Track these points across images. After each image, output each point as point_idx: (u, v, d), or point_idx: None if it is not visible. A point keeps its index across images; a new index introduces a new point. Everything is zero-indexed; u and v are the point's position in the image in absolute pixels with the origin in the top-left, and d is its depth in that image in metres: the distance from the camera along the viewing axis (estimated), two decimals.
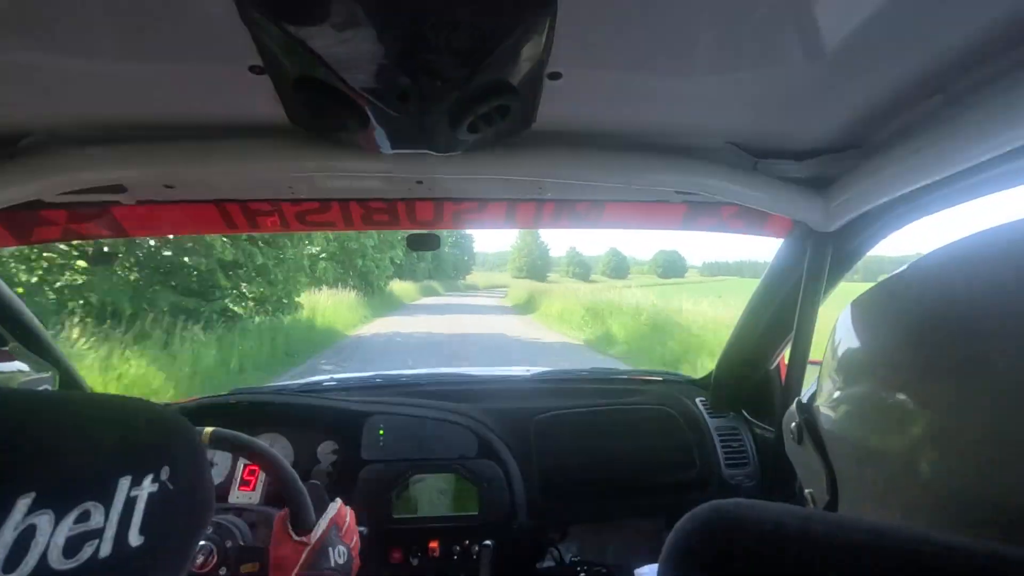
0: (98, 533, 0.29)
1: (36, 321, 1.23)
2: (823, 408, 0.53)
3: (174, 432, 0.37)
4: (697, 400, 1.58)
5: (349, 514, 0.97)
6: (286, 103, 0.72)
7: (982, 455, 0.35)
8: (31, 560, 0.25)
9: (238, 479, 1.28)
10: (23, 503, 0.25)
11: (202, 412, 1.37)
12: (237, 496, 1.25)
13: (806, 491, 0.58)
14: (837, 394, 0.50)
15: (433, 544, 1.29)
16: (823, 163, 0.96)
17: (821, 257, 1.09)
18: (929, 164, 0.75)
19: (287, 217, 1.18)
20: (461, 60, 0.59)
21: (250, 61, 0.64)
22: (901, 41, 0.62)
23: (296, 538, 0.85)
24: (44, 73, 0.67)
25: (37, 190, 0.85)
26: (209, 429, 0.85)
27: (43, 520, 0.26)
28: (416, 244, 1.30)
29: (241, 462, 1.30)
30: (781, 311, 1.32)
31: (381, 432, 1.38)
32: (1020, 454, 0.33)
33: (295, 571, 0.82)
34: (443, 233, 1.39)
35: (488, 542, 1.28)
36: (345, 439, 1.38)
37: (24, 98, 0.73)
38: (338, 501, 0.92)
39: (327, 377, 1.79)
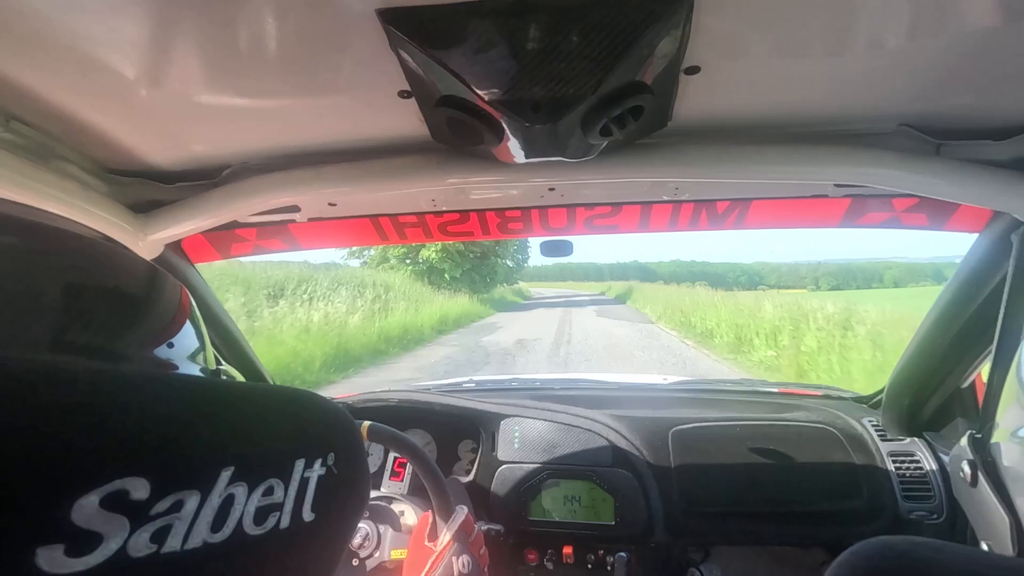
0: (279, 506, 0.33)
1: (232, 322, 1.46)
2: (1006, 444, 0.43)
3: (339, 423, 0.42)
4: (865, 420, 1.39)
5: (479, 532, 0.98)
6: (429, 122, 0.78)
7: None
8: (231, 523, 0.30)
9: (389, 469, 1.39)
10: (225, 475, 0.30)
11: (360, 406, 1.52)
12: (388, 485, 1.37)
13: (982, 544, 0.48)
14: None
15: (567, 550, 1.29)
16: None
17: None
18: None
19: (431, 228, 1.26)
20: (592, 65, 0.59)
21: (399, 87, 0.70)
22: None
23: (427, 543, 0.90)
24: (241, 113, 0.80)
25: (235, 212, 1.01)
26: (367, 423, 0.94)
27: (240, 491, 0.31)
28: (550, 251, 1.32)
29: (392, 454, 1.42)
30: (977, 319, 1.11)
31: (516, 434, 1.41)
32: None
33: (428, 554, 0.87)
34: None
35: (623, 553, 1.25)
36: (483, 439, 1.43)
37: (227, 135, 0.88)
38: (464, 509, 0.94)
39: (466, 379, 1.88)
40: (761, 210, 1.13)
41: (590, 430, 1.39)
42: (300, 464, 0.35)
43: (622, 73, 0.60)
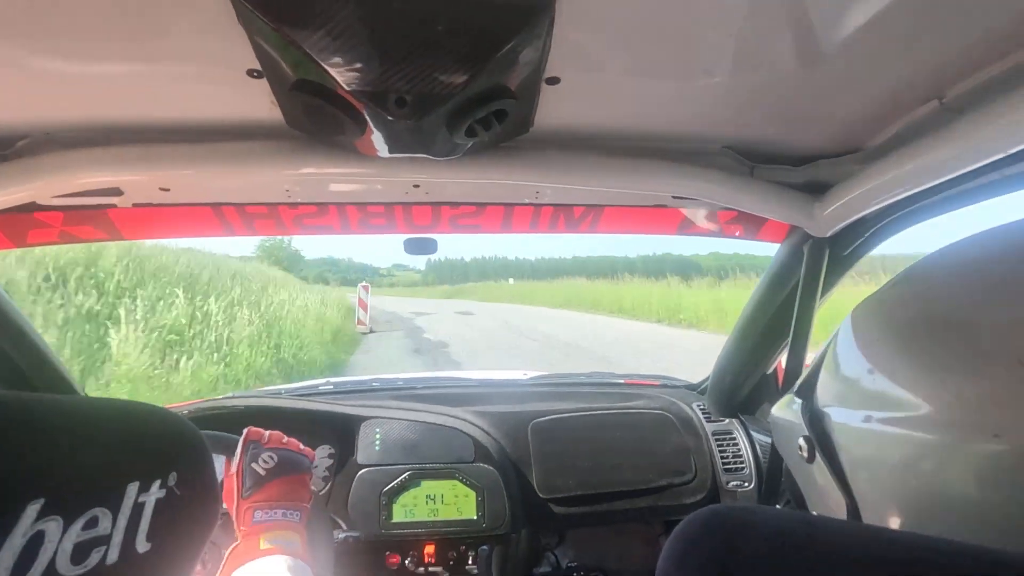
0: (106, 539, 0.29)
1: (29, 325, 1.22)
2: (837, 423, 0.49)
3: (182, 437, 0.37)
4: (694, 405, 1.58)
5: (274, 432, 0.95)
6: (283, 107, 0.72)
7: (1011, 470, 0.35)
8: (39, 566, 0.25)
9: None
10: (32, 509, 0.25)
11: (199, 416, 1.36)
12: None
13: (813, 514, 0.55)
14: (852, 412, 0.47)
15: (429, 549, 1.28)
16: (819, 168, 0.96)
17: (817, 262, 1.10)
18: (925, 169, 0.76)
19: (284, 221, 1.17)
20: (460, 65, 0.59)
21: (248, 65, 0.64)
22: (897, 47, 0.62)
23: (228, 476, 0.87)
24: (41, 75, 0.67)
25: (32, 192, 0.85)
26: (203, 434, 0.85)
27: (51, 526, 0.26)
28: (414, 248, 1.30)
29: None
30: (778, 315, 1.32)
31: (378, 437, 1.37)
32: None
33: (234, 499, 0.83)
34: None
35: (485, 547, 1.28)
36: (341, 443, 1.37)
37: (21, 100, 0.73)
38: (245, 430, 0.91)
39: (323, 381, 1.78)
40: (612, 216, 1.23)
41: (453, 427, 1.40)
42: (133, 488, 0.31)
43: (488, 76, 0.61)
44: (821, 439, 0.52)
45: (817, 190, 1.00)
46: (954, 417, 0.38)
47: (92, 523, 0.28)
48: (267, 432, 0.92)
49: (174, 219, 1.14)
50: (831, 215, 0.98)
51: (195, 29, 0.58)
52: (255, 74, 0.66)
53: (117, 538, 0.29)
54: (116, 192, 1.00)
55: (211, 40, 0.60)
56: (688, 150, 0.95)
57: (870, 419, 0.46)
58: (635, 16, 0.57)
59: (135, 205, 1.07)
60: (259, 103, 0.74)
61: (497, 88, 0.65)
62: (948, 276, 0.44)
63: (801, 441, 0.54)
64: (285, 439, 0.93)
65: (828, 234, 1.04)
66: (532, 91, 0.70)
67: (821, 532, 0.30)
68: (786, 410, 0.57)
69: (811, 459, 0.53)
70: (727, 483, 1.43)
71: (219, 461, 1.28)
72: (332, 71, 0.59)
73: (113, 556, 0.29)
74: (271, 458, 0.86)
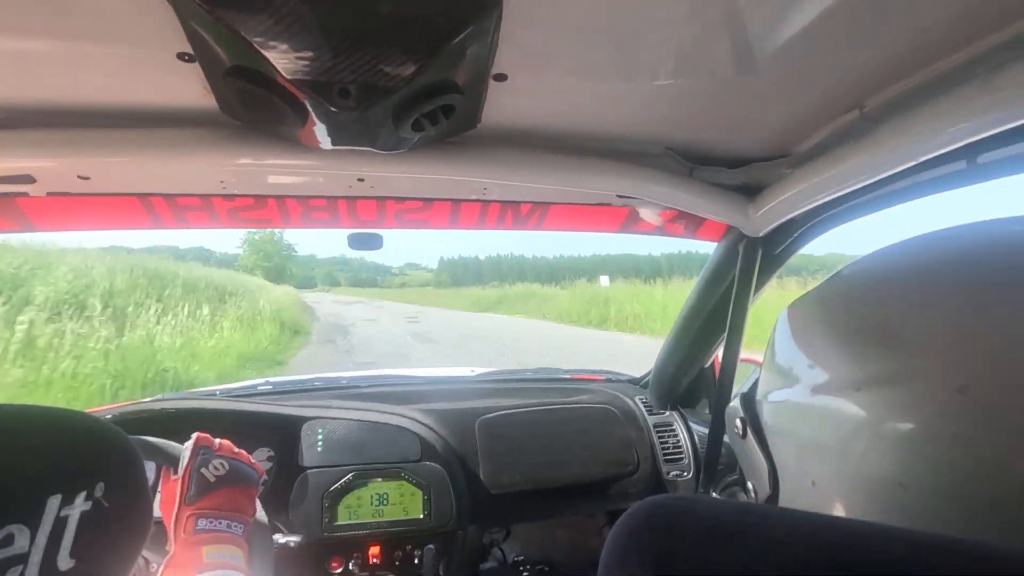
0: (22, 558, 0.27)
1: None
2: (766, 404, 0.56)
3: (110, 445, 0.35)
4: (637, 399, 1.63)
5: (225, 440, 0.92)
6: (218, 93, 0.69)
7: (911, 449, 0.39)
8: None
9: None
10: None
11: (124, 420, 1.28)
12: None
13: (748, 484, 0.62)
14: (778, 392, 0.53)
15: (374, 551, 1.26)
16: (753, 171, 1.01)
17: (751, 260, 1.15)
18: (848, 174, 0.81)
19: (218, 213, 1.12)
20: (406, 57, 0.58)
21: (178, 48, 0.60)
22: (823, 59, 0.66)
23: (172, 479, 0.82)
24: None
25: None
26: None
27: None
28: (358, 244, 1.27)
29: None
30: (715, 312, 1.38)
31: (320, 437, 1.33)
32: (943, 448, 0.37)
33: (174, 506, 0.78)
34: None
35: (431, 546, 1.27)
36: (281, 445, 1.32)
37: None
38: (194, 435, 0.87)
39: (262, 381, 1.71)
40: (558, 214, 1.24)
41: (399, 426, 1.38)
42: (55, 502, 0.29)
43: (435, 70, 0.61)
44: (752, 419, 0.60)
45: (751, 192, 1.05)
46: (870, 396, 0.42)
47: (7, 541, 0.26)
48: (218, 440, 0.88)
49: (95, 210, 1.06)
50: (763, 216, 1.03)
51: (118, 6, 0.54)
52: (186, 57, 0.62)
53: (36, 556, 0.27)
54: (27, 179, 0.92)
55: (136, 19, 0.56)
56: (631, 151, 0.97)
57: (788, 398, 0.52)
58: (580, 18, 0.58)
59: (49, 194, 0.99)
60: (191, 88, 0.70)
61: (444, 83, 0.64)
62: (871, 279, 0.50)
63: (738, 421, 0.62)
64: (236, 450, 0.90)
65: (761, 234, 1.09)
66: (480, 87, 0.70)
67: (752, 518, 0.32)
68: (736, 399, 0.65)
69: (744, 435, 0.61)
70: (668, 473, 1.48)
71: (149, 468, 1.21)
72: (271, 58, 0.56)
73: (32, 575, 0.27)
74: (222, 465, 0.83)
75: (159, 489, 0.84)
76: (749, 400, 0.61)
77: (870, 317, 0.46)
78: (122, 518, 0.34)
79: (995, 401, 0.38)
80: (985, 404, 0.38)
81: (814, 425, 0.48)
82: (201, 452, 0.84)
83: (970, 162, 0.72)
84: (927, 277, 0.46)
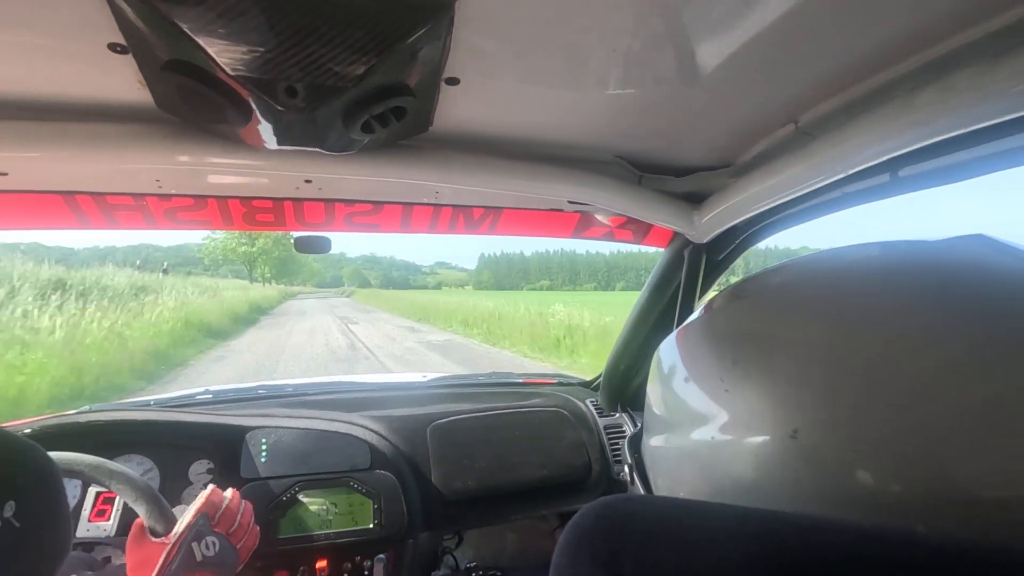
0: None
1: None
2: (647, 447, 0.58)
3: (22, 462, 0.32)
4: (588, 401, 1.65)
5: (234, 500, 0.91)
6: (153, 87, 0.65)
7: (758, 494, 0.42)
8: None
9: (89, 507, 1.13)
10: None
11: (45, 435, 1.19)
12: (90, 528, 1.10)
13: None
14: (655, 436, 0.55)
15: (321, 563, 1.22)
16: (698, 180, 1.05)
17: (696, 265, 1.20)
18: (785, 184, 0.86)
19: (153, 214, 1.06)
20: (356, 57, 0.57)
21: (108, 38, 0.57)
22: (761, 75, 0.70)
23: (154, 540, 0.78)
24: None
25: None
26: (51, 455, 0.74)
27: None
28: (305, 246, 1.23)
29: (93, 488, 1.15)
30: (663, 316, 1.42)
31: (264, 448, 1.28)
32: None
33: (154, 568, 0.74)
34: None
35: (382, 556, 1.24)
36: (222, 457, 1.26)
37: None
38: (210, 487, 0.86)
39: (201, 390, 1.63)
40: (511, 218, 1.25)
41: (348, 434, 1.34)
42: None
43: (386, 71, 0.60)
44: (638, 464, 0.61)
45: (696, 200, 1.09)
46: (751, 420, 0.45)
47: None
48: (226, 502, 0.86)
49: (14, 208, 0.98)
50: (708, 223, 1.07)
51: None
52: (118, 49, 0.59)
53: None
54: None
55: (61, 4, 0.52)
56: (582, 158, 0.99)
57: (662, 443, 0.54)
58: (530, 26, 0.58)
59: None
60: (123, 82, 0.66)
61: (395, 84, 0.63)
62: (752, 302, 0.52)
63: (625, 467, 0.64)
64: (239, 516, 0.89)
65: (705, 240, 1.14)
66: (431, 90, 0.70)
67: (694, 515, 0.33)
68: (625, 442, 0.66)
69: (632, 482, 0.62)
70: (618, 473, 1.51)
71: (71, 484, 1.13)
72: (213, 52, 0.54)
73: None
74: (214, 544, 0.81)
75: (133, 536, 0.80)
76: (635, 443, 0.62)
77: (723, 351, 0.48)
78: (37, 539, 0.31)
79: (823, 443, 0.40)
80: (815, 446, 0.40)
81: (685, 470, 0.50)
82: (199, 522, 0.81)
83: (893, 175, 0.78)
84: (776, 312, 0.48)
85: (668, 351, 0.57)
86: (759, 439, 0.43)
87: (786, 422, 0.41)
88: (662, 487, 0.55)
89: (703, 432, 0.47)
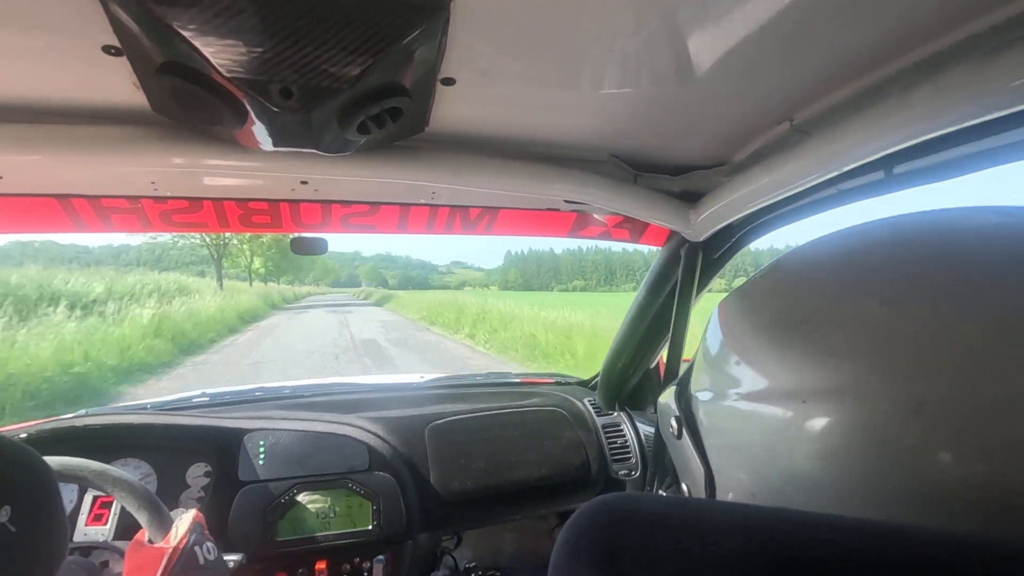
0: None
1: None
2: (701, 403, 0.56)
3: (18, 466, 0.32)
4: (586, 400, 1.65)
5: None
6: (148, 89, 0.65)
7: (835, 444, 0.40)
8: None
9: (87, 512, 1.12)
10: None
11: (42, 439, 1.18)
12: (87, 532, 1.10)
13: (683, 485, 0.62)
14: (715, 392, 0.53)
15: (321, 565, 1.22)
16: (694, 179, 1.05)
17: (692, 264, 1.20)
18: (780, 182, 0.86)
19: (149, 216, 1.06)
20: (351, 58, 0.57)
21: (103, 40, 0.57)
22: (756, 73, 0.70)
23: (153, 545, 0.80)
24: None
25: None
26: (48, 460, 0.74)
27: None
28: (302, 248, 1.22)
29: (91, 493, 1.14)
30: (660, 314, 1.43)
31: (262, 450, 1.28)
32: (902, 463, 0.37)
33: (156, 570, 0.75)
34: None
35: (381, 557, 1.24)
36: (220, 460, 1.26)
37: None
38: (193, 509, 0.89)
39: (198, 392, 1.62)
40: (507, 218, 1.25)
41: (346, 435, 1.34)
42: None
43: (381, 73, 0.60)
44: (688, 418, 0.58)
45: (692, 198, 1.09)
46: (795, 393, 0.43)
47: None
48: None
49: (8, 212, 0.98)
50: (703, 221, 1.07)
51: None
52: (112, 51, 0.59)
53: None
54: None
55: (55, 6, 0.52)
56: (578, 157, 0.99)
57: (724, 397, 0.51)
58: (526, 26, 0.58)
59: None
60: (118, 84, 0.66)
61: (391, 85, 0.63)
62: (800, 273, 0.51)
63: (672, 421, 0.61)
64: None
65: (701, 239, 1.14)
66: (427, 91, 0.69)
67: (692, 512, 0.33)
68: (668, 396, 0.63)
69: (679, 436, 0.59)
70: (616, 472, 1.51)
71: (68, 489, 1.12)
72: (208, 54, 0.53)
73: None
74: (213, 549, 0.84)
75: (134, 542, 0.82)
76: (683, 396, 0.60)
77: (799, 315, 0.45)
78: (33, 544, 0.31)
79: (954, 420, 0.35)
80: (944, 423, 0.36)
81: (757, 433, 0.46)
82: (197, 529, 0.83)
83: (887, 172, 0.78)
84: (861, 273, 0.44)
85: (736, 305, 0.53)
86: (868, 412, 0.38)
87: (908, 396, 0.37)
88: (720, 450, 0.53)
89: (784, 401, 0.43)
